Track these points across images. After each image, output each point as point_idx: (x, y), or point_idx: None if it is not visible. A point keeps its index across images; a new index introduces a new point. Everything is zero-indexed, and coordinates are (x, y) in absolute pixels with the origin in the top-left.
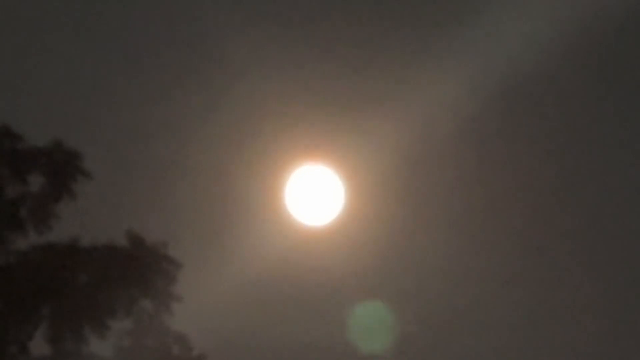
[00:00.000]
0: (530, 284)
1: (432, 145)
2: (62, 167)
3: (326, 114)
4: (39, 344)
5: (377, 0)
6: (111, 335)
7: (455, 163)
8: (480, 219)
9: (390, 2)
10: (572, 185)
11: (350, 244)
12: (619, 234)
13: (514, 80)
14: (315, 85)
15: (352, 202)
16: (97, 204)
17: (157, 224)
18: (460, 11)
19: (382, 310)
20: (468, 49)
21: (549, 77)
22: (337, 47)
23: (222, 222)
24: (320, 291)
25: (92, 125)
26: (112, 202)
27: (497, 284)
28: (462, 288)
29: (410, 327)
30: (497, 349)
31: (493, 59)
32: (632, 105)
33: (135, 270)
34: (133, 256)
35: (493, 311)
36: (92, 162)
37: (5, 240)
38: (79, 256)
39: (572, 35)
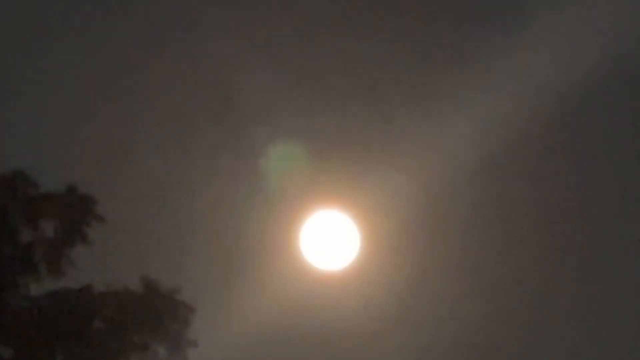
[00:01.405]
0: (552, 335)
1: (449, 191)
2: (76, 213)
3: (342, 159)
4: None
5: (393, 45)
6: None
7: (473, 210)
8: (500, 266)
9: (405, 45)
10: (597, 226)
11: (365, 289)
12: None
13: (532, 122)
14: (331, 131)
15: (367, 247)
16: (112, 249)
17: (172, 270)
18: (479, 51)
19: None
20: (486, 91)
21: (570, 118)
22: (354, 94)
23: (237, 266)
24: (335, 335)
25: (105, 171)
26: (126, 248)
27: (518, 330)
28: (480, 336)
29: None
30: None
31: (511, 101)
32: None
33: (149, 315)
34: (147, 301)
35: (506, 350)
36: (106, 207)
37: (18, 285)
38: (92, 302)
39: (591, 76)
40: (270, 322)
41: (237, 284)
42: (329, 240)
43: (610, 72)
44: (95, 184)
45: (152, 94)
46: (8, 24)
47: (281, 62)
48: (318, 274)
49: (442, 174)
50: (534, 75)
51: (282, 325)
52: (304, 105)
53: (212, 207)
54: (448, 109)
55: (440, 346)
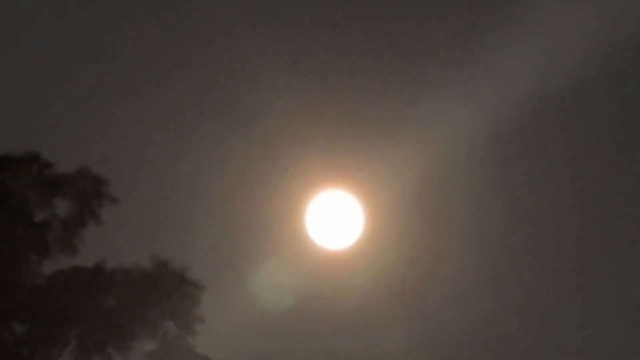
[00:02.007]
0: (552, 305)
1: (448, 170)
2: (89, 193)
3: (346, 141)
4: None
5: (397, 34)
6: (135, 356)
7: (471, 187)
8: (500, 242)
9: (409, 35)
10: (590, 205)
11: (369, 267)
12: None
13: (526, 108)
14: (335, 114)
15: (371, 226)
16: (123, 229)
17: (181, 249)
18: (476, 44)
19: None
20: (487, 77)
21: (563, 103)
22: (356, 81)
23: (245, 246)
24: (340, 311)
25: (118, 153)
26: (137, 228)
27: (517, 304)
28: (481, 309)
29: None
30: None
31: (508, 87)
32: None
33: (159, 293)
34: (157, 279)
35: (508, 331)
36: (119, 188)
37: (33, 263)
38: (104, 279)
39: (585, 63)
40: (277, 299)
41: (244, 262)
42: (334, 220)
43: (597, 67)
44: (108, 166)
45: (164, 81)
46: (31, 9)
47: (287, 50)
48: (323, 253)
49: (441, 156)
50: (525, 67)
51: (288, 302)
52: (311, 94)
53: (221, 189)
54: (447, 97)
55: (441, 320)
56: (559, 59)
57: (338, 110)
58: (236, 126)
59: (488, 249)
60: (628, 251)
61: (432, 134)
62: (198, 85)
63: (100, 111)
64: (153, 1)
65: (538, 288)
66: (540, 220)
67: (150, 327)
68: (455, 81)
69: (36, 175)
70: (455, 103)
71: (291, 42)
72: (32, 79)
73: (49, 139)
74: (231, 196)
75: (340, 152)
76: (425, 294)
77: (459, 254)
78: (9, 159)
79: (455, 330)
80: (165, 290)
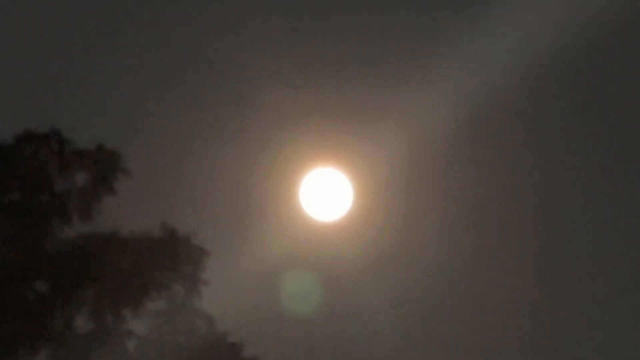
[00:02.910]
0: (529, 282)
1: (430, 148)
2: (105, 166)
3: (336, 122)
4: (82, 322)
5: (383, 19)
6: (146, 314)
7: (449, 164)
8: (472, 210)
9: (394, 19)
10: (568, 183)
11: (357, 238)
12: (614, 232)
13: (507, 86)
14: (326, 101)
15: (359, 200)
16: (135, 198)
17: (188, 217)
18: (457, 24)
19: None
20: (465, 59)
21: (544, 82)
22: (345, 70)
23: (245, 217)
24: (330, 276)
25: (130, 130)
26: (148, 198)
27: (494, 276)
28: (459, 273)
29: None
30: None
31: (489, 66)
32: (625, 106)
33: (167, 257)
34: (166, 245)
35: (492, 305)
36: (132, 162)
37: (53, 229)
38: (118, 245)
39: (566, 42)
40: (273, 265)
41: (245, 232)
42: (325, 194)
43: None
44: (122, 143)
45: (171, 59)
46: None
47: (288, 38)
48: (315, 224)
49: (424, 135)
50: (500, 53)
51: (283, 268)
52: (304, 81)
53: (222, 166)
54: (429, 78)
55: (423, 284)
56: (531, 45)
57: (329, 96)
58: (241, 113)
59: (466, 219)
60: (594, 220)
61: (414, 116)
62: (203, 74)
63: (115, 94)
64: None
65: (514, 253)
66: (514, 192)
67: (160, 288)
68: (435, 67)
69: (57, 150)
70: (435, 87)
71: (283, 31)
72: (57, 65)
73: (69, 117)
74: (233, 174)
75: (330, 133)
76: (407, 261)
77: (439, 224)
78: (33, 136)
79: (436, 293)
80: (173, 255)
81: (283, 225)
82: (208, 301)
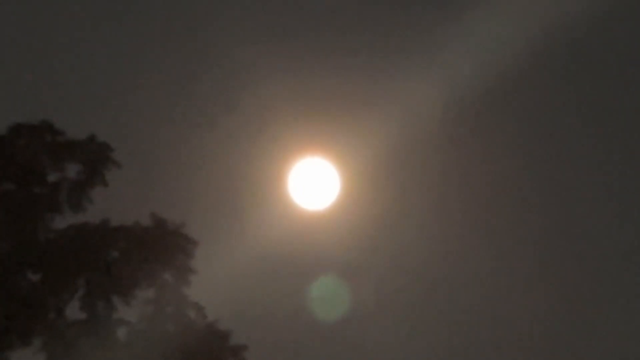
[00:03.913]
0: (518, 271)
1: (414, 140)
2: (96, 158)
3: (323, 115)
4: (74, 311)
5: (369, 17)
6: (136, 303)
7: (435, 156)
8: (453, 196)
9: (381, 18)
10: (555, 174)
11: (344, 226)
12: (596, 231)
13: (495, 78)
14: (313, 91)
15: (346, 189)
16: (125, 189)
17: (178, 207)
18: (443, 20)
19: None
20: (452, 51)
21: (532, 76)
22: (330, 59)
23: (235, 206)
24: (318, 263)
25: (120, 121)
26: (138, 188)
27: (485, 257)
28: (444, 257)
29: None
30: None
31: (476, 62)
32: (611, 105)
33: (157, 247)
34: (156, 235)
35: (472, 291)
36: (122, 153)
37: (45, 219)
38: (109, 235)
39: (552, 39)
40: (263, 253)
41: (234, 221)
42: (313, 183)
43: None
44: (112, 134)
45: (160, 49)
46: None
47: (269, 36)
48: (304, 213)
49: (408, 127)
50: (494, 41)
51: (272, 255)
52: (292, 74)
53: (214, 160)
54: (415, 73)
55: (407, 268)
56: (514, 40)
57: (317, 88)
58: (232, 104)
59: (447, 206)
60: (575, 215)
61: (398, 108)
62: (194, 65)
63: (104, 86)
64: None
65: (502, 241)
66: (500, 182)
67: (149, 277)
68: (422, 60)
69: (49, 141)
70: (418, 80)
71: (273, 25)
72: (49, 59)
73: (61, 109)
74: (224, 164)
75: (319, 125)
76: (392, 247)
77: (423, 211)
78: (26, 127)
79: (421, 276)
80: (162, 244)
81: (272, 214)
82: (196, 290)
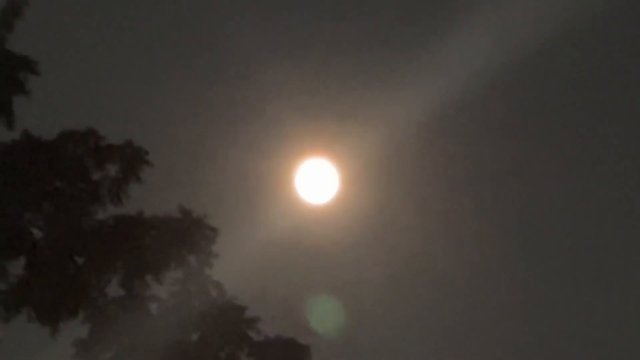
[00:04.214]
0: (514, 266)
1: (408, 142)
2: (132, 159)
3: (326, 122)
4: (114, 289)
5: (367, 28)
6: (166, 282)
7: (428, 157)
8: (441, 196)
9: (377, 27)
10: (548, 172)
11: (343, 218)
12: (573, 225)
13: (489, 79)
14: (318, 103)
15: (343, 186)
16: (157, 185)
17: (200, 200)
18: (432, 30)
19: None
20: (444, 57)
21: (523, 77)
22: (328, 69)
23: (249, 200)
24: (320, 251)
25: (150, 130)
26: (167, 184)
27: (482, 254)
28: (447, 256)
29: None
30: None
31: (469, 61)
32: (588, 112)
33: (184, 234)
34: (183, 224)
35: (468, 288)
36: (153, 156)
37: (89, 211)
38: (143, 224)
39: (542, 38)
40: (273, 240)
41: (248, 213)
42: (316, 180)
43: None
44: (146, 138)
45: (169, 52)
46: None
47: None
48: (308, 206)
49: (402, 131)
50: (475, 49)
51: (281, 243)
52: (298, 84)
53: (232, 161)
54: (408, 78)
55: (403, 257)
56: (511, 39)
57: (320, 102)
58: (245, 118)
59: (434, 204)
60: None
61: (394, 114)
62: (211, 77)
63: (138, 94)
64: None
65: (497, 237)
66: (492, 178)
67: (177, 260)
68: (415, 65)
69: (93, 145)
70: (414, 84)
71: (277, 32)
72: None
73: (103, 117)
74: (240, 164)
75: (320, 131)
76: (385, 239)
77: (410, 204)
78: (73, 133)
79: (417, 268)
80: (188, 232)
81: (281, 207)
82: (218, 271)
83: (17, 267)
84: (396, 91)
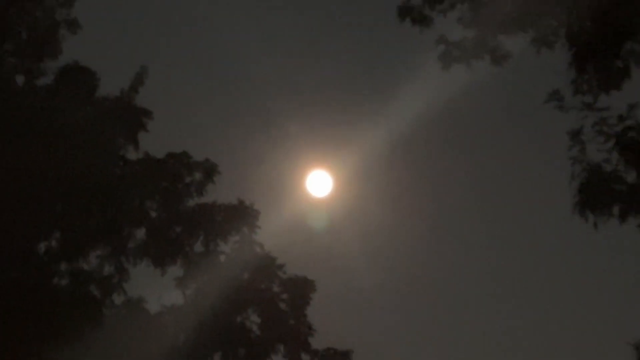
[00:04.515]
0: (506, 263)
1: (394, 150)
2: (209, 170)
3: (322, 139)
4: (198, 247)
5: (363, 46)
6: (229, 242)
7: (397, 167)
8: (420, 202)
9: (371, 46)
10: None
11: (335, 206)
12: (554, 236)
13: (483, 86)
14: (315, 120)
15: (336, 185)
16: (222, 184)
17: (249, 194)
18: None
19: None
20: (421, 81)
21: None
22: (321, 90)
23: (278, 193)
24: (320, 231)
25: (209, 144)
26: (229, 183)
27: (471, 246)
28: (422, 242)
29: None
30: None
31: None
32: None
33: (239, 214)
34: (238, 208)
35: (457, 284)
36: (221, 166)
37: (183, 203)
38: (215, 208)
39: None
40: (291, 218)
41: (277, 201)
42: (318, 181)
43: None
44: (211, 152)
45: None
46: None
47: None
48: (312, 198)
49: (388, 140)
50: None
51: (296, 220)
52: (302, 101)
53: (266, 168)
54: (394, 95)
55: (389, 244)
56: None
57: (320, 129)
58: (265, 136)
59: (402, 201)
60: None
61: (382, 125)
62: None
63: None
64: None
65: (490, 235)
66: (471, 179)
67: (235, 229)
68: (402, 85)
69: (186, 162)
70: (400, 102)
71: (281, 48)
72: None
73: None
74: (270, 173)
75: (321, 148)
76: (363, 221)
77: (385, 201)
78: (173, 155)
79: (403, 256)
80: (242, 213)
81: (296, 198)
82: (259, 237)
83: (140, 233)
84: (367, 124)
